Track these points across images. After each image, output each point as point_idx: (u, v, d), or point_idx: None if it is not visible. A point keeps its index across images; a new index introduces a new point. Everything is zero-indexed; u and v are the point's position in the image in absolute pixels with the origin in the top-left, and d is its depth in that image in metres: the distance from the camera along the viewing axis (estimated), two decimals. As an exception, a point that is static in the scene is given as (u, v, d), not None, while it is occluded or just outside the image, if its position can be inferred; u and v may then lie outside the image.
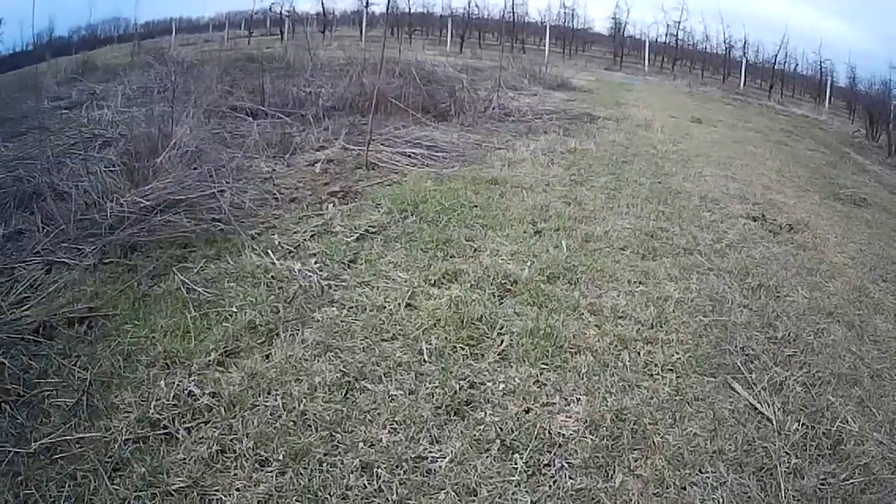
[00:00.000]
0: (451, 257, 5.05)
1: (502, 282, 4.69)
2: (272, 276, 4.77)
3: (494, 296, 4.53)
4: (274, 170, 7.37)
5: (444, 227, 5.58)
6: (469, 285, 4.62)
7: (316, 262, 5.00)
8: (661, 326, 4.38)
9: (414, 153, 7.85)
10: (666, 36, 33.90)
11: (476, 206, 6.14)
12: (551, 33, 36.90)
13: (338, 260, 5.03)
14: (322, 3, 35.63)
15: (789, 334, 4.60)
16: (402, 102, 10.48)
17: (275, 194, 6.49)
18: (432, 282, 4.65)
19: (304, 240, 5.38)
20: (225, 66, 12.31)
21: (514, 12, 35.15)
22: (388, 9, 36.23)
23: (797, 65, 33.38)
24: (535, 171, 7.79)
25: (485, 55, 25.23)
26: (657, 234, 6.11)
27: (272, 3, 32.87)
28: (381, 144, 8.07)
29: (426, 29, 40.20)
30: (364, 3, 34.28)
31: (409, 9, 36.65)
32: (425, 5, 37.21)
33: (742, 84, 29.07)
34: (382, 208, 5.93)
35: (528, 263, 5.02)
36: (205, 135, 8.59)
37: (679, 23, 33.24)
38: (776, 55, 31.94)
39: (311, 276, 4.79)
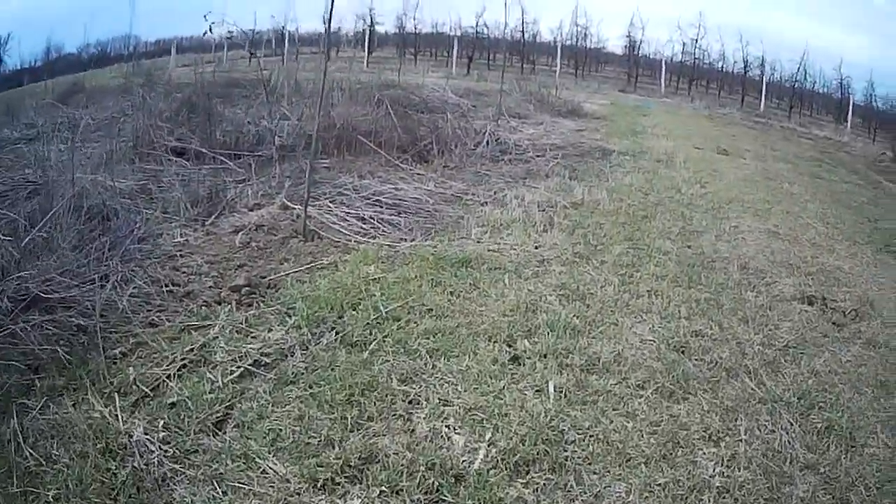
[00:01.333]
0: (367, 422, 3.11)
1: (436, 482, 2.74)
2: (106, 444, 2.94)
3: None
4: (187, 241, 5.50)
5: (373, 355, 3.63)
6: (380, 490, 2.68)
7: (166, 423, 3.09)
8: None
9: (370, 216, 5.94)
10: (682, 55, 31.88)
11: (430, 311, 4.18)
12: (563, 53, 35.05)
13: (199, 419, 3.12)
14: (325, 22, 33.92)
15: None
16: (376, 139, 8.60)
17: (167, 284, 4.60)
18: (321, 482, 2.73)
19: (169, 375, 3.47)
20: (186, 94, 10.40)
21: (523, 32, 33.33)
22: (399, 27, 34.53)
23: (815, 83, 31.33)
24: (527, 239, 5.86)
25: (493, 77, 23.14)
26: (689, 347, 4.16)
27: (276, 23, 31.72)
28: (331, 202, 6.18)
29: (435, 50, 38.57)
30: (369, 23, 32.68)
31: (416, 28, 34.97)
32: (434, 25, 35.44)
33: (762, 105, 26.97)
34: (292, 318, 3.99)
35: (489, 435, 3.06)
36: (126, 185, 6.80)
37: (696, 40, 31.19)
38: (796, 73, 29.86)
39: (152, 451, 2.90)
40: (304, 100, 10.53)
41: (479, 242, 5.66)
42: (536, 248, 5.67)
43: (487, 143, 9.91)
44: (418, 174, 8.00)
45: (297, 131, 8.92)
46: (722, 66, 32.60)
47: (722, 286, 5.39)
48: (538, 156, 9.73)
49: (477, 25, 34.61)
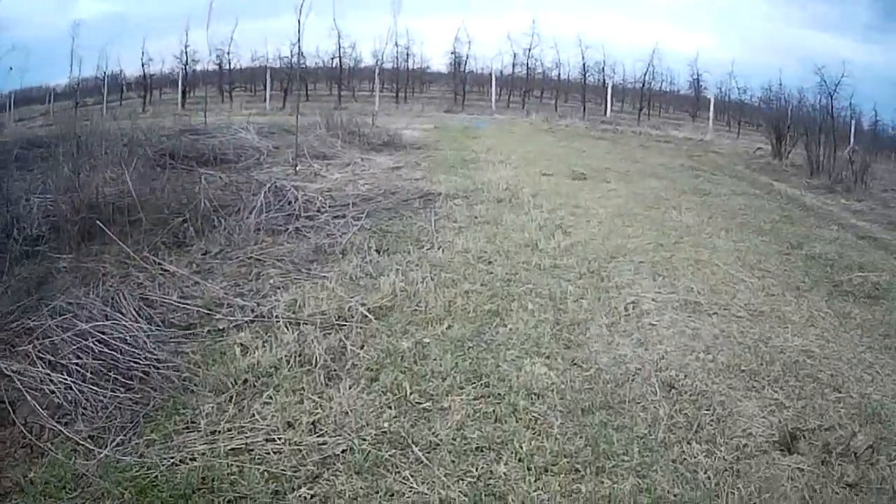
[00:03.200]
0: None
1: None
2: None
3: None
4: None
5: None
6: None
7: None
8: None
9: (70, 386, 3.14)
10: (513, 66, 30.48)
11: None
12: (385, 77, 32.95)
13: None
14: (142, 65, 30.53)
15: None
16: (125, 217, 5.78)
17: None
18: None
19: None
20: None
21: (340, 58, 30.90)
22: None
23: (663, 83, 30.86)
24: (299, 412, 3.26)
25: (310, 109, 20.39)
26: None
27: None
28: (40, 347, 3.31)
29: (253, 85, 35.73)
30: (183, 62, 29.33)
31: (230, 64, 31.83)
32: (254, 58, 32.43)
33: (608, 111, 25.81)
34: None
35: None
36: None
37: (529, 49, 29.87)
38: (645, 74, 29.07)
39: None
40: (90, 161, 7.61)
41: (212, 443, 2.96)
42: (314, 434, 3.03)
43: (269, 207, 7.20)
44: (165, 272, 5.25)
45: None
46: (558, 74, 31.56)
47: (643, 443, 3.01)
48: (337, 217, 7.16)
49: (292, 55, 31.83)
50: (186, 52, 29.10)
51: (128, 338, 4.02)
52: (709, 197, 9.76)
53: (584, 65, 29.44)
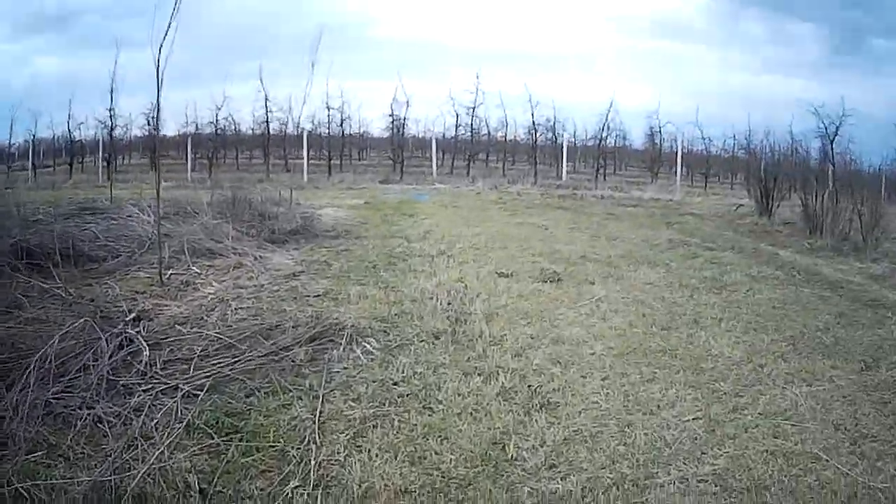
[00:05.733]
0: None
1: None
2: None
3: None
4: None
5: None
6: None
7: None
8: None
9: None
10: (456, 128, 27.85)
11: None
12: (316, 143, 30.13)
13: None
14: (69, 129, 27.49)
15: None
16: None
17: None
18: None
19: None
20: None
21: (267, 122, 28.01)
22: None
23: (616, 138, 28.71)
24: None
25: (232, 180, 17.31)
26: None
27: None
28: None
29: (186, 153, 32.84)
30: (108, 126, 26.42)
31: (157, 130, 28.89)
32: (185, 123, 29.50)
33: (563, 173, 23.25)
34: None
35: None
36: None
37: (473, 108, 27.28)
38: (602, 129, 26.69)
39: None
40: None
41: None
42: None
43: (76, 361, 4.26)
44: None
45: None
46: (505, 135, 29.11)
47: None
48: (166, 391, 4.16)
49: (217, 121, 28.82)
50: (112, 116, 25.37)
51: None
52: (726, 292, 6.95)
53: (533, 122, 27.07)
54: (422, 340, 5.07)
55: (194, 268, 7.39)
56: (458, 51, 45.36)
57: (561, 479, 3.15)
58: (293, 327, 5.15)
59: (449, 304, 6.06)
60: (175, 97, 30.60)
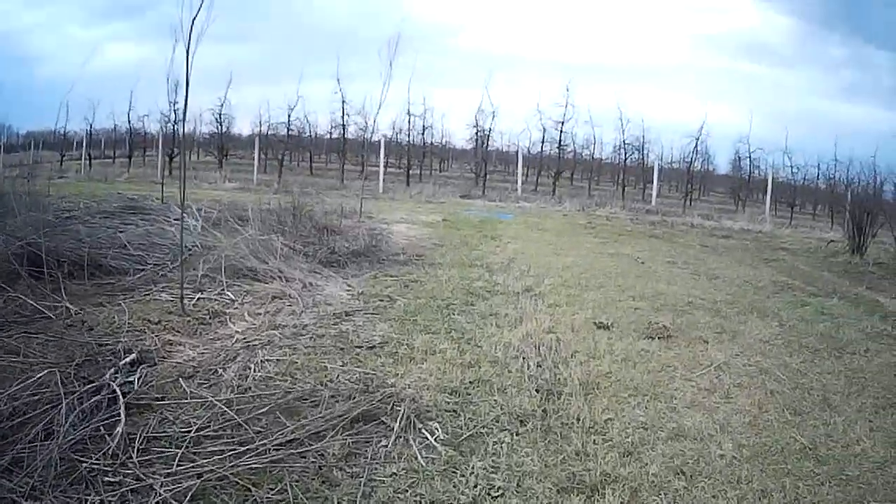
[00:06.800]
0: None
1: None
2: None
3: None
4: None
5: None
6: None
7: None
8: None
9: None
10: (542, 143, 26.28)
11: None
12: (396, 151, 29.03)
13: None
14: (129, 121, 27.51)
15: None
16: None
17: None
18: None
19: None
20: None
21: (344, 126, 26.93)
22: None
23: (702, 162, 26.81)
24: None
25: (302, 186, 16.28)
26: None
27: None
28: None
29: (243, 153, 32.55)
30: (171, 120, 26.17)
31: (226, 128, 28.49)
32: (259, 123, 29.01)
33: (653, 198, 21.51)
34: None
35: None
36: None
37: (562, 123, 25.65)
38: (693, 152, 24.84)
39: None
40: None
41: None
42: None
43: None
44: None
45: None
46: (592, 153, 27.42)
47: None
48: (137, 488, 2.90)
49: (290, 121, 28.03)
50: (176, 110, 24.72)
51: None
52: (847, 356, 5.55)
53: (623, 142, 25.39)
54: (503, 429, 3.68)
55: (228, 292, 6.16)
56: (543, 62, 43.80)
57: None
58: (331, 398, 3.81)
59: (539, 366, 4.67)
60: (249, 94, 30.35)
